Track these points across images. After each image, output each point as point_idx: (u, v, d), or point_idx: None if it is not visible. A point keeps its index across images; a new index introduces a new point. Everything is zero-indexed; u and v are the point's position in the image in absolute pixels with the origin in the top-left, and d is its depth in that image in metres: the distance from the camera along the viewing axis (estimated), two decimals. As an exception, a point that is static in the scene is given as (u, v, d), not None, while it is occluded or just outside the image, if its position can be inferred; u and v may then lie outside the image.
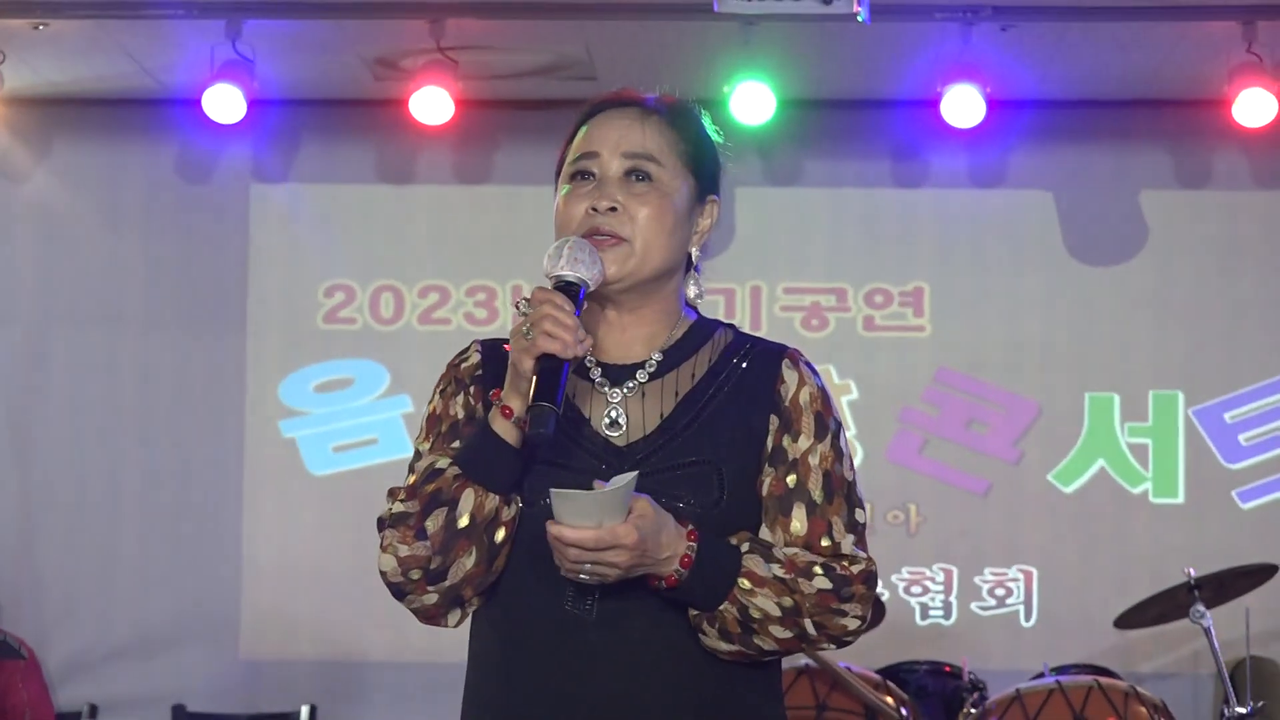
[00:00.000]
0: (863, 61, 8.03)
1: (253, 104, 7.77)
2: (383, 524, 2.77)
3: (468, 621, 2.87)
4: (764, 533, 2.80)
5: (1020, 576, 8.40)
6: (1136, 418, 8.45)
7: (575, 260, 2.75)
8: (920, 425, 8.53)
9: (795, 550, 2.78)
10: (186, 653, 8.48)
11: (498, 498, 2.73)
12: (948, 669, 7.31)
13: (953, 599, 8.45)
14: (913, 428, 8.53)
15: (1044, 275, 8.54)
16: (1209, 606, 6.48)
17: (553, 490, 2.60)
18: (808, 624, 2.74)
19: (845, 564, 2.78)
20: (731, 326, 2.96)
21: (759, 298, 8.56)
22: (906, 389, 8.55)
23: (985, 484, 8.44)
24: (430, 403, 2.92)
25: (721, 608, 2.71)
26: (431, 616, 2.81)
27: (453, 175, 8.70)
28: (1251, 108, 7.62)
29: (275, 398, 8.62)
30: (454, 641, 2.98)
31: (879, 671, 6.88)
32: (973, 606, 8.44)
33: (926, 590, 8.46)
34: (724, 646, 2.75)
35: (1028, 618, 8.41)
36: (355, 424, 8.62)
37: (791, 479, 2.81)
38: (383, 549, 2.76)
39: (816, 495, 2.81)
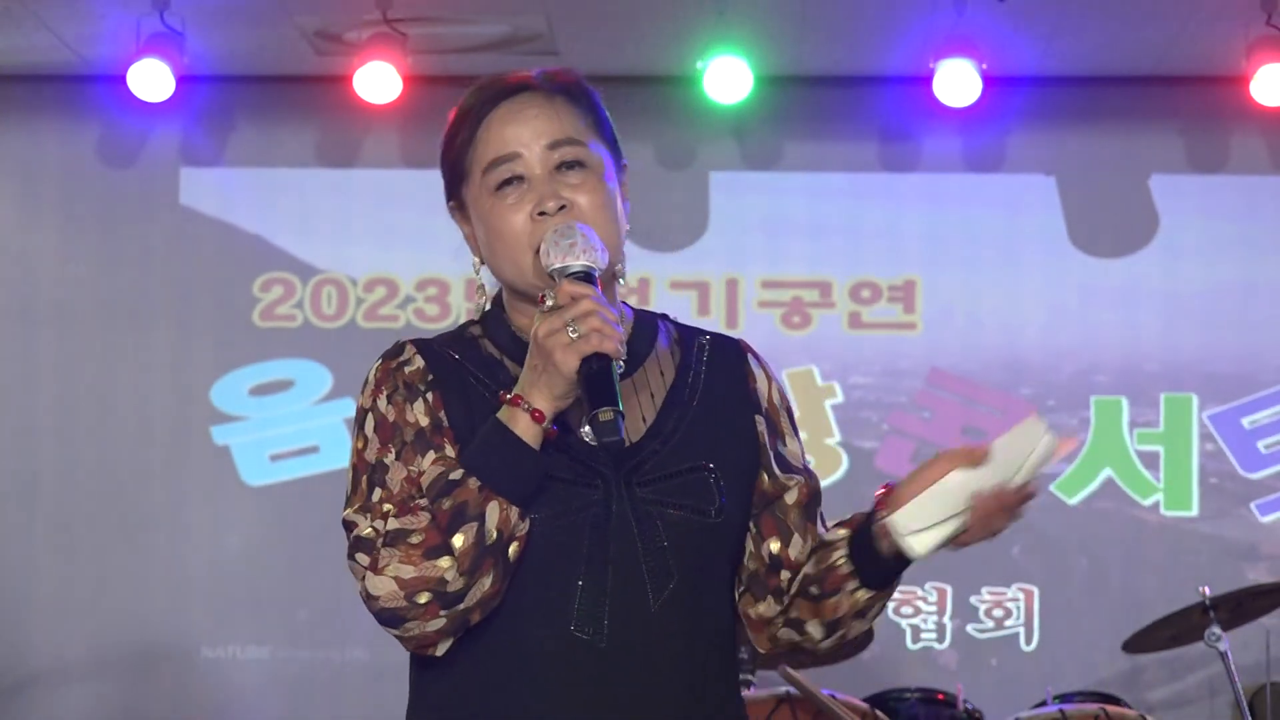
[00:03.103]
0: (847, 35, 8.02)
1: (182, 81, 7.78)
2: (367, 544, 2.69)
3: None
4: (770, 542, 2.89)
5: (1020, 596, 8.41)
6: (1146, 423, 8.47)
7: (590, 247, 2.73)
8: (911, 431, 8.56)
9: None
10: (107, 680, 8.44)
11: (518, 510, 2.69)
12: (941, 697, 7.26)
13: (947, 620, 8.47)
14: (903, 434, 8.56)
15: (1045, 267, 8.56)
16: (1226, 629, 6.44)
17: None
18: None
19: None
20: (665, 316, 2.99)
21: (734, 292, 8.56)
22: (896, 391, 8.56)
23: (982, 495, 8.39)
24: (370, 411, 2.83)
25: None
26: (428, 644, 2.73)
27: (400, 158, 8.68)
28: (1271, 85, 7.68)
29: (207, 401, 8.58)
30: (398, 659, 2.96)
31: (866, 700, 6.85)
32: (968, 629, 8.46)
33: (918, 611, 8.47)
34: (861, 627, 2.87)
35: (1028, 641, 8.42)
36: (295, 430, 8.59)
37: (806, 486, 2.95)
38: (375, 571, 2.67)
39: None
